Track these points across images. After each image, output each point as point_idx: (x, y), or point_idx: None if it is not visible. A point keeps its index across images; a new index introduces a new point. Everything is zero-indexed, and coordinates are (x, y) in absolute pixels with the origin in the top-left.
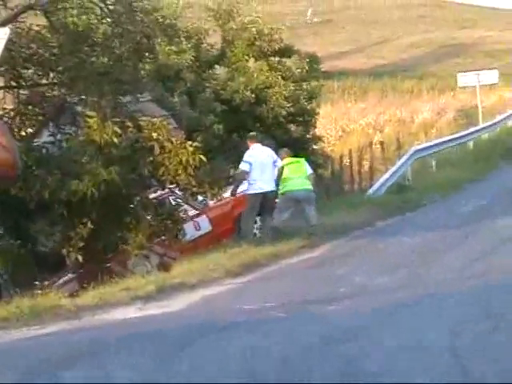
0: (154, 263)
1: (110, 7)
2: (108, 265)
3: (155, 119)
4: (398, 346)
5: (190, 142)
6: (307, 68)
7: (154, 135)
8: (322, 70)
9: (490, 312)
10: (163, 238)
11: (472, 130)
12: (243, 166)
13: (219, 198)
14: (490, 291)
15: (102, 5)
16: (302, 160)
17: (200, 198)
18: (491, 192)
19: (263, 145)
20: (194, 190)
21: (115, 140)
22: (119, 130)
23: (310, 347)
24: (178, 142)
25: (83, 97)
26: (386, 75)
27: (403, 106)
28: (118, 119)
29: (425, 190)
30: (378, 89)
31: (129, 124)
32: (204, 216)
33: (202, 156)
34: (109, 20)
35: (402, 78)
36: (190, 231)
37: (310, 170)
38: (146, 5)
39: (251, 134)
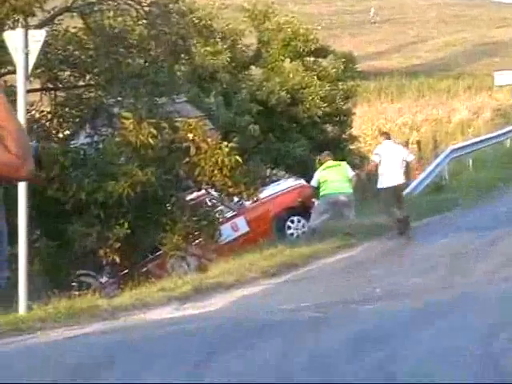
0: (193, 265)
1: (146, 9)
2: (146, 268)
3: (191, 120)
4: (432, 346)
5: (225, 143)
6: (343, 68)
7: (190, 136)
8: (358, 70)
9: None
10: (201, 239)
11: (509, 129)
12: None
13: (256, 198)
14: None
15: (138, 7)
16: (344, 163)
17: (236, 198)
18: None
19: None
20: (230, 190)
21: (151, 141)
22: (155, 132)
23: (345, 347)
24: (214, 142)
25: (119, 98)
26: (423, 75)
27: (440, 105)
28: (153, 120)
29: (461, 190)
30: (414, 88)
31: (165, 125)
32: (242, 217)
33: (237, 157)
34: (144, 22)
35: (439, 77)
36: (228, 232)
37: (351, 173)
38: (182, 6)
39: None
